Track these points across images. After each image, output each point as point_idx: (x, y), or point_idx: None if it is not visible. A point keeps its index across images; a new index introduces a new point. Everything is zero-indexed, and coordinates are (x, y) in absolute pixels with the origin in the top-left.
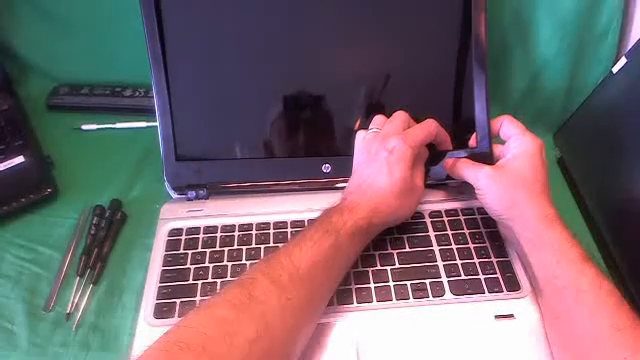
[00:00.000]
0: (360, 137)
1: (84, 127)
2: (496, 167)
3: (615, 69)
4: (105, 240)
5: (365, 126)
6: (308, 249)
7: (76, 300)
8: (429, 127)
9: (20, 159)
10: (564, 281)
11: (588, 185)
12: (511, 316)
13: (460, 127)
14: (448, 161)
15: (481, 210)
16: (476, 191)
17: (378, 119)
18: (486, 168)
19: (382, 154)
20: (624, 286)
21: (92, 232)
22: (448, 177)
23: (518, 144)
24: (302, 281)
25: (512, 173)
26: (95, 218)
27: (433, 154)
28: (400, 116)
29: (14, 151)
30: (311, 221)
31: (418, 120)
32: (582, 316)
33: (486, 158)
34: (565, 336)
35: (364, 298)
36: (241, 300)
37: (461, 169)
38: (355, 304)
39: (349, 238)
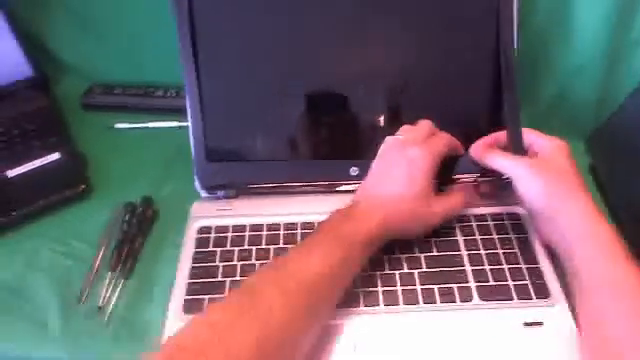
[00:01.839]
0: (386, 141)
1: (117, 126)
2: (536, 160)
3: None
4: (136, 236)
5: (394, 129)
6: (317, 258)
7: (108, 294)
8: (449, 139)
9: (55, 156)
10: (605, 277)
11: (620, 193)
12: (540, 324)
13: (488, 131)
14: (476, 148)
15: (511, 216)
16: (516, 184)
17: (405, 128)
18: (527, 160)
19: (402, 163)
20: None
21: (124, 228)
22: (479, 172)
23: (548, 144)
24: (308, 290)
25: (554, 166)
26: (127, 215)
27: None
28: (424, 125)
29: (50, 148)
30: (322, 223)
31: (443, 128)
32: (620, 317)
33: None
34: (600, 339)
35: (391, 301)
36: (243, 306)
37: (497, 160)
38: (382, 306)
39: (360, 248)
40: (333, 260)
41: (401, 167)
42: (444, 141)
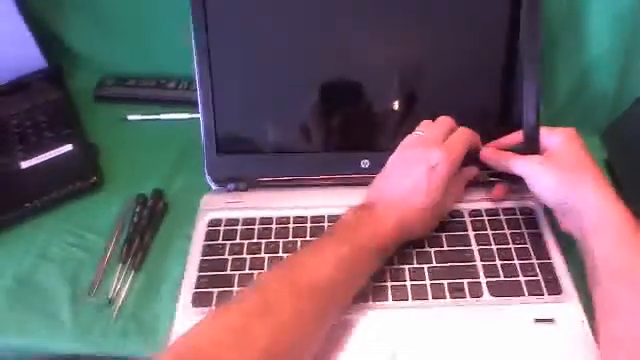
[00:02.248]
0: (405, 138)
1: (130, 117)
2: (547, 155)
3: None
4: (147, 229)
5: (406, 123)
6: (331, 262)
7: (118, 286)
8: (469, 137)
9: (68, 147)
10: (620, 266)
11: (635, 188)
12: (551, 320)
13: (504, 127)
14: (487, 151)
15: (523, 210)
16: (530, 182)
17: (425, 123)
18: (537, 157)
19: (422, 167)
20: None
21: (135, 221)
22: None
23: (556, 138)
24: (321, 294)
25: (565, 158)
26: (138, 207)
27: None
28: (445, 122)
29: (63, 139)
30: (337, 224)
31: (461, 122)
32: (637, 308)
33: None
34: (617, 332)
35: (400, 296)
36: (256, 309)
37: (508, 161)
38: (390, 301)
39: (375, 254)
40: (346, 266)
41: (421, 172)
42: (465, 140)
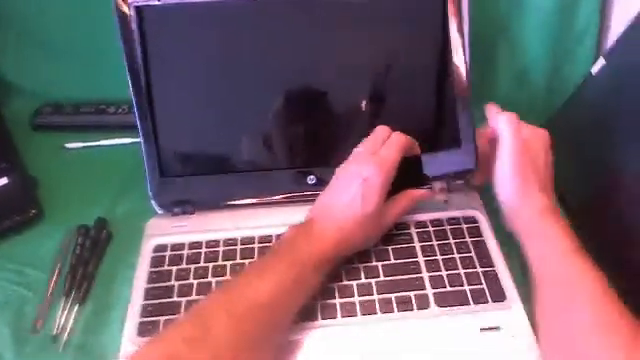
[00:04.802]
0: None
1: (68, 146)
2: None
3: (594, 70)
4: (90, 259)
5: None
6: (270, 281)
7: (62, 321)
8: (402, 142)
9: (4, 180)
10: (555, 273)
11: (570, 185)
12: (496, 328)
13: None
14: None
15: (467, 219)
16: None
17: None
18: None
19: (356, 181)
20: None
21: (77, 252)
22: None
23: (533, 131)
24: (261, 314)
25: (530, 152)
26: (80, 238)
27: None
28: (379, 132)
29: None
30: (277, 243)
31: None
32: (572, 311)
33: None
34: (556, 336)
35: (348, 312)
36: (195, 335)
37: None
38: (339, 318)
39: (314, 270)
40: (286, 285)
41: (356, 185)
42: (397, 147)
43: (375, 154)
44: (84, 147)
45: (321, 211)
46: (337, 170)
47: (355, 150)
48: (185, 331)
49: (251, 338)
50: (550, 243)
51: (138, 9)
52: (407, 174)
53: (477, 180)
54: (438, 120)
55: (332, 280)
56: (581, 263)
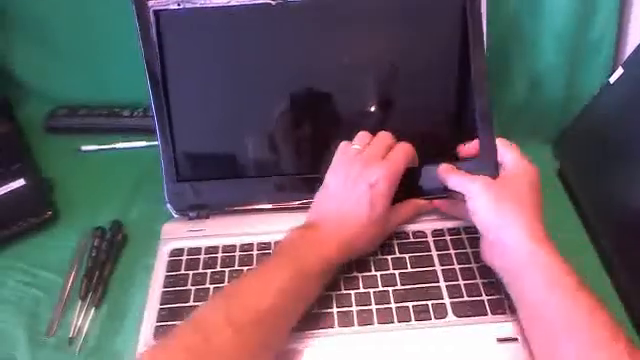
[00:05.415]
0: (341, 149)
1: (83, 148)
2: (495, 179)
3: (612, 79)
4: (106, 262)
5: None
6: (272, 288)
7: (78, 324)
8: (408, 152)
9: (20, 182)
10: (555, 309)
11: (588, 195)
12: (514, 339)
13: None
14: (443, 168)
15: None
16: (467, 200)
17: (362, 136)
18: (484, 177)
19: (363, 186)
20: (623, 297)
21: (93, 254)
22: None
23: (517, 165)
24: (263, 322)
25: (510, 187)
26: (96, 240)
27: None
28: (384, 138)
29: (13, 175)
30: (279, 247)
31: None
32: (572, 351)
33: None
34: None
35: (365, 320)
36: (196, 344)
37: (454, 178)
38: (356, 326)
39: (317, 277)
40: (288, 291)
41: (362, 191)
42: (404, 156)
43: (383, 159)
44: (99, 150)
45: (324, 215)
46: (336, 170)
47: (352, 148)
48: (188, 341)
49: (252, 346)
50: (551, 275)
51: (157, 13)
52: (404, 184)
53: (445, 207)
54: (455, 125)
55: (349, 287)
56: (587, 301)
